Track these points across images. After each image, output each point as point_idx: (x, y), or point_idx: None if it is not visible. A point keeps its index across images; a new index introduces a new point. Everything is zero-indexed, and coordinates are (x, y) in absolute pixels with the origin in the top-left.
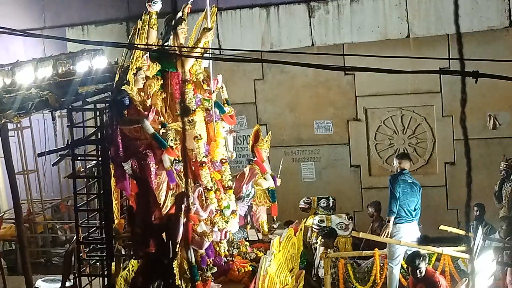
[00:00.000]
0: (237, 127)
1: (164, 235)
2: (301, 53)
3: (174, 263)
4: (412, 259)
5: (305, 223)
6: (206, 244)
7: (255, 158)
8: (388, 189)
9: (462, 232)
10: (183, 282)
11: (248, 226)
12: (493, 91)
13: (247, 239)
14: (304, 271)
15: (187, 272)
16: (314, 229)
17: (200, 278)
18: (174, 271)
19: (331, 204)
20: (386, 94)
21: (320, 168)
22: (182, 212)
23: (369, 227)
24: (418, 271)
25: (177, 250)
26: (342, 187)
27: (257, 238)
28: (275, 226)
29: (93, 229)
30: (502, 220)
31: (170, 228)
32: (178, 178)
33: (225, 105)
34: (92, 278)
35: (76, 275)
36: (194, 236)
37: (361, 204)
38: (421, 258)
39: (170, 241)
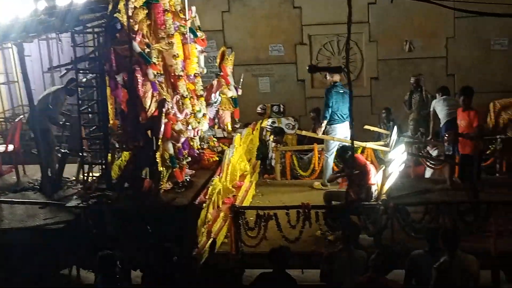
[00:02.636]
0: (208, 50)
1: (149, 132)
2: None
3: (157, 154)
4: (342, 150)
5: (261, 124)
6: (182, 139)
7: (221, 73)
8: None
9: (382, 131)
10: (164, 168)
11: (216, 126)
12: (409, 20)
13: (215, 136)
14: (259, 161)
15: (167, 161)
16: (267, 129)
17: (178, 165)
18: (157, 160)
19: (281, 109)
20: (326, 24)
21: (273, 82)
22: (163, 114)
23: (312, 128)
24: (346, 161)
25: (159, 144)
26: (290, 96)
27: (223, 136)
28: (237, 126)
29: (93, 128)
30: (411, 121)
31: (154, 127)
32: (160, 87)
33: (198, 30)
34: (93, 166)
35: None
36: (172, 133)
37: (305, 110)
38: (349, 150)
39: (153, 137)
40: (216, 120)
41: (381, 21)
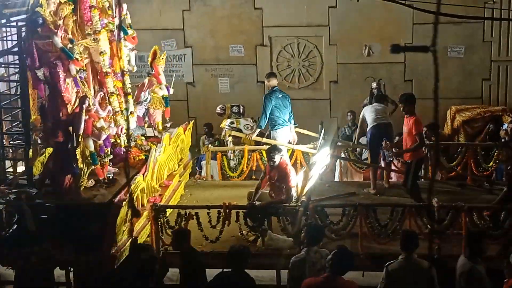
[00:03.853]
0: (168, 48)
1: (70, 128)
2: None
3: (77, 150)
4: (269, 150)
5: (220, 125)
6: (103, 137)
7: (153, 72)
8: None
9: (312, 134)
10: (84, 165)
11: (146, 125)
12: (369, 25)
13: (145, 135)
14: (191, 161)
15: (88, 158)
16: (226, 129)
17: (99, 163)
18: (77, 157)
19: (241, 110)
20: (287, 26)
21: (233, 82)
22: (83, 111)
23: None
24: (272, 160)
25: (79, 140)
26: (250, 97)
27: (153, 135)
28: (168, 126)
29: (16, 123)
30: None
31: (74, 123)
32: (81, 84)
33: (129, 28)
34: (16, 162)
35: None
36: (93, 130)
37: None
38: (276, 151)
39: (74, 133)
40: (147, 119)
41: (341, 25)
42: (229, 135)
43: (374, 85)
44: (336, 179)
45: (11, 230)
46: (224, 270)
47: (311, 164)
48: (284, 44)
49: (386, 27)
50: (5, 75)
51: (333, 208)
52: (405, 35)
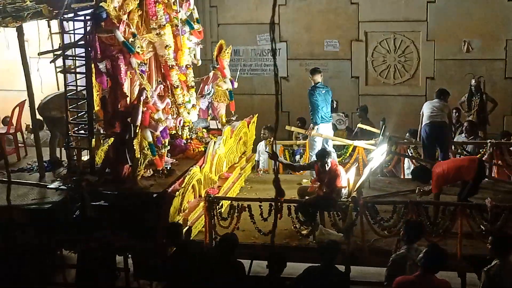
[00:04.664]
0: (263, 43)
1: (128, 119)
2: None
3: (134, 141)
4: (321, 154)
5: None
6: (160, 128)
7: (218, 66)
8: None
9: (376, 130)
10: (142, 156)
11: (209, 118)
12: (468, 21)
13: (209, 127)
14: (255, 154)
15: (146, 149)
16: None
17: (157, 154)
18: (134, 147)
19: (334, 105)
20: (383, 21)
21: (327, 77)
22: (141, 103)
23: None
24: (325, 164)
25: (137, 131)
26: (344, 93)
27: (217, 127)
28: (233, 119)
29: (82, 113)
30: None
31: (132, 114)
32: (140, 77)
33: (195, 23)
34: (82, 150)
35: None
36: (151, 121)
37: (357, 107)
38: (328, 155)
39: (131, 124)
40: (210, 112)
41: (439, 20)
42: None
43: (473, 82)
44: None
45: (73, 215)
46: (313, 264)
47: (368, 160)
48: (380, 39)
49: (487, 22)
50: (72, 67)
51: (385, 205)
52: (506, 31)
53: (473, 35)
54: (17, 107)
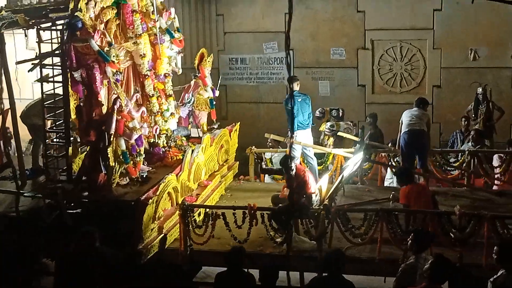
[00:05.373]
0: (269, 51)
1: (103, 128)
2: None
3: (108, 149)
4: (284, 160)
5: (319, 128)
6: (135, 136)
7: (199, 74)
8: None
9: (354, 138)
10: (117, 164)
11: (190, 126)
12: (475, 28)
13: (190, 135)
14: (237, 162)
15: (120, 157)
16: (326, 133)
17: (131, 162)
18: (108, 156)
19: (340, 114)
20: (389, 29)
21: (333, 86)
22: (115, 111)
23: (367, 133)
24: (289, 169)
25: (111, 140)
26: (350, 101)
27: (198, 136)
28: (215, 127)
29: (59, 122)
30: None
31: (106, 123)
32: (114, 86)
33: (176, 32)
34: (59, 158)
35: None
36: (125, 130)
37: (364, 115)
38: (291, 160)
39: (105, 133)
40: (191, 120)
41: (446, 28)
42: (329, 139)
43: (479, 90)
44: (387, 184)
45: (48, 223)
46: (320, 274)
47: (343, 168)
48: (387, 48)
49: (494, 30)
50: (50, 76)
51: (356, 212)
52: None
53: (479, 43)
54: (0, 116)
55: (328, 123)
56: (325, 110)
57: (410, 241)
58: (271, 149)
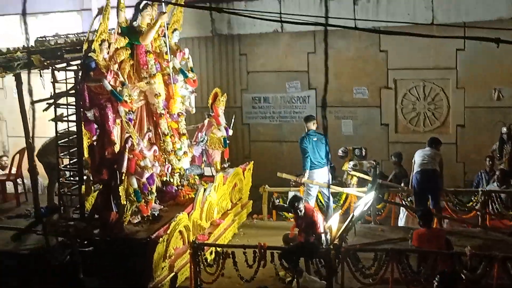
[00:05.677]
0: (292, 90)
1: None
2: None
3: (120, 187)
4: (293, 201)
5: (342, 167)
6: (146, 175)
7: (213, 113)
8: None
9: (365, 177)
10: (128, 202)
11: (203, 165)
12: (499, 68)
13: (203, 174)
14: (251, 201)
15: (132, 195)
16: (349, 172)
17: (143, 200)
18: (120, 194)
19: (363, 153)
20: (412, 68)
21: (356, 125)
22: (126, 150)
23: (392, 173)
24: (298, 210)
25: (123, 178)
26: (373, 140)
27: (211, 174)
28: (225, 166)
29: (73, 160)
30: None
31: (117, 162)
32: (127, 125)
33: (190, 71)
34: (72, 196)
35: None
36: (137, 168)
37: (387, 154)
38: (300, 200)
39: (117, 171)
40: (205, 159)
41: (469, 67)
42: (352, 178)
43: (504, 130)
44: (401, 224)
45: (61, 261)
46: None
47: (354, 208)
48: (410, 87)
49: None
50: (64, 115)
51: (366, 252)
52: None
53: (503, 82)
54: (18, 154)
55: (351, 162)
56: (348, 149)
57: (436, 284)
58: (282, 188)
